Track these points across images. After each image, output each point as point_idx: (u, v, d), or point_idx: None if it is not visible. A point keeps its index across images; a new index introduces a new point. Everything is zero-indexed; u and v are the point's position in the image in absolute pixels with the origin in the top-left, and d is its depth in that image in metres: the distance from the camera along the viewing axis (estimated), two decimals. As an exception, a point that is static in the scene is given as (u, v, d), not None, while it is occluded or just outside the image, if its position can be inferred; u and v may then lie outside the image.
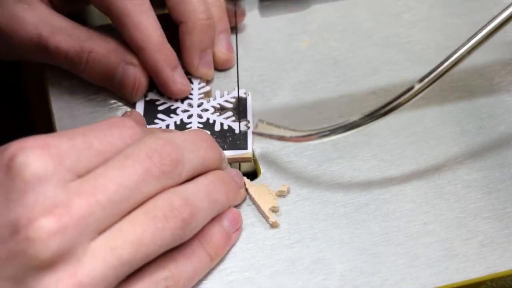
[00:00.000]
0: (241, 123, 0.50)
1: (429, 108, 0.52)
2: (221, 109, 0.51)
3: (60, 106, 0.52)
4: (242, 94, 0.52)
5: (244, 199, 0.47)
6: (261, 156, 0.50)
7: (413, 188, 0.48)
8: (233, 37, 0.53)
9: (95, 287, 0.37)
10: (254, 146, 0.50)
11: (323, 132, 0.46)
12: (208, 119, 0.51)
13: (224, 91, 0.52)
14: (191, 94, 0.52)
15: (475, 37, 0.44)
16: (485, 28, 0.44)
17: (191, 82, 0.52)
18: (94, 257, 0.37)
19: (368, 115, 0.45)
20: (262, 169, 0.49)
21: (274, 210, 0.46)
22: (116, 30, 0.51)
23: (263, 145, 0.50)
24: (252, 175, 0.49)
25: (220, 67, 0.54)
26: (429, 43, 0.57)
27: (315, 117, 0.52)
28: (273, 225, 0.45)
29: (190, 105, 0.51)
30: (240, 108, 0.51)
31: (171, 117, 0.51)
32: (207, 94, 0.52)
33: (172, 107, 0.51)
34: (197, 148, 0.43)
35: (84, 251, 0.37)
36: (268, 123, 0.49)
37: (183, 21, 0.51)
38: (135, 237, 0.38)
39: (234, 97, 0.52)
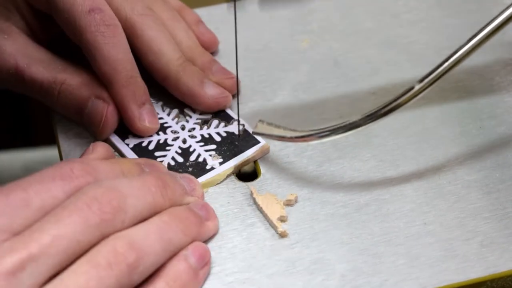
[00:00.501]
0: (233, 125, 0.50)
1: (429, 108, 0.52)
2: (208, 140, 0.50)
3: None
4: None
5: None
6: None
7: (413, 188, 0.48)
8: (233, 37, 0.53)
9: None
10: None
11: (323, 132, 0.46)
12: (189, 146, 0.50)
13: (222, 122, 0.51)
14: (166, 123, 0.51)
15: (475, 37, 0.44)
16: (485, 29, 0.44)
17: (157, 113, 0.51)
18: None
19: (368, 116, 0.45)
20: (262, 169, 0.49)
21: (283, 219, 0.45)
22: None
23: (263, 145, 0.50)
24: (252, 175, 0.49)
25: (232, 91, 0.52)
26: (429, 44, 0.57)
27: (315, 117, 0.52)
28: (282, 235, 0.45)
29: (175, 132, 0.51)
30: (221, 114, 0.51)
31: (167, 150, 0.50)
32: (206, 122, 0.51)
33: (161, 141, 0.50)
34: (143, 194, 0.41)
35: None
36: (268, 123, 0.49)
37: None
38: None
39: (226, 132, 0.51)
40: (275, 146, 0.50)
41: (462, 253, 0.44)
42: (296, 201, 0.46)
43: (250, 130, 0.50)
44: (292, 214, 0.46)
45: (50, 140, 0.64)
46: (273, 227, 0.45)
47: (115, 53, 0.48)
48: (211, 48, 0.55)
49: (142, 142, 0.50)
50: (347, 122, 0.45)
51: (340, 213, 0.46)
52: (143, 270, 0.40)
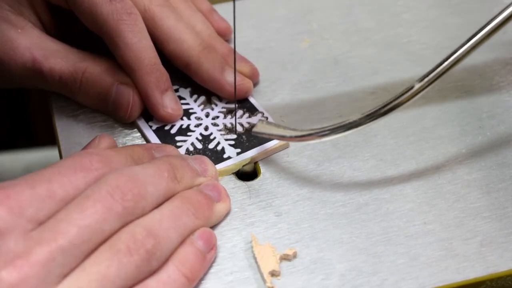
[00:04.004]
0: (256, 117, 0.51)
1: (429, 108, 0.52)
2: (230, 130, 0.51)
3: (61, 106, 0.53)
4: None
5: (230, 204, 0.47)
6: (261, 156, 0.50)
7: (413, 188, 0.48)
8: (233, 37, 0.53)
9: None
10: (254, 146, 0.50)
11: (323, 131, 0.46)
12: (211, 133, 0.50)
13: (246, 113, 0.52)
14: (191, 108, 0.52)
15: (474, 37, 0.44)
16: (484, 28, 0.44)
17: (184, 98, 0.52)
18: None
19: (368, 115, 0.45)
20: (262, 169, 0.49)
21: (274, 273, 0.44)
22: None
23: (263, 145, 0.50)
24: (252, 175, 0.49)
25: (252, 79, 0.53)
26: (429, 43, 0.57)
27: (315, 116, 0.52)
28: None
29: (199, 119, 0.51)
30: (247, 105, 0.52)
31: (189, 135, 0.50)
32: (231, 112, 0.52)
33: (183, 126, 0.51)
34: (158, 181, 0.43)
35: None
36: (268, 123, 0.49)
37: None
38: (99, 275, 0.38)
39: (249, 123, 0.51)
40: (275, 146, 0.50)
41: (462, 252, 0.44)
42: (294, 256, 0.44)
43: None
44: (292, 213, 0.46)
45: (50, 140, 0.65)
46: (263, 279, 0.43)
47: (138, 40, 0.49)
48: (226, 36, 0.56)
49: (165, 125, 0.51)
50: (347, 122, 0.45)
51: (339, 212, 0.46)
52: (161, 256, 0.41)
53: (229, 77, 0.51)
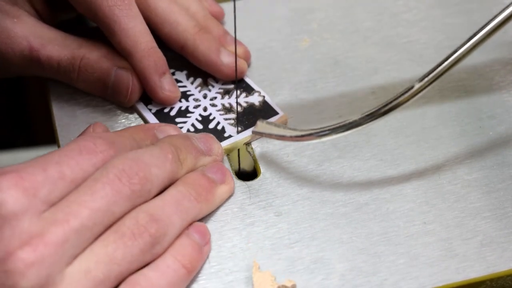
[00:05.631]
0: (253, 96, 0.52)
1: (429, 108, 0.52)
2: (229, 110, 0.51)
3: (60, 106, 0.53)
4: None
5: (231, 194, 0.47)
6: (261, 155, 0.50)
7: (413, 188, 0.48)
8: (233, 37, 0.53)
9: None
10: (254, 146, 0.50)
11: (323, 131, 0.46)
12: (210, 114, 0.51)
13: (243, 93, 0.52)
14: (189, 91, 0.52)
15: (474, 36, 0.44)
16: (484, 28, 0.44)
17: (181, 81, 0.53)
18: (70, 283, 0.38)
19: (368, 115, 0.45)
20: (262, 168, 0.49)
21: None
22: None
23: (263, 144, 0.50)
24: (252, 175, 0.49)
25: (246, 59, 0.54)
26: (429, 43, 0.57)
27: (315, 117, 0.52)
28: None
29: (197, 100, 0.52)
30: (243, 85, 0.53)
31: (188, 117, 0.51)
32: (228, 92, 0.53)
33: (182, 108, 0.51)
34: (162, 163, 0.43)
35: (61, 277, 0.38)
36: (268, 123, 0.49)
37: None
38: (106, 257, 0.39)
39: (246, 102, 0.52)
40: (275, 146, 0.50)
41: (462, 252, 0.44)
42: None
43: (270, 102, 0.52)
44: (292, 213, 0.46)
45: (50, 140, 0.64)
46: None
47: (133, 25, 0.50)
48: (218, 19, 0.56)
49: (164, 108, 0.51)
50: (347, 122, 0.45)
51: (339, 212, 0.46)
52: (165, 240, 0.42)
53: (225, 58, 0.52)
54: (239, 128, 0.50)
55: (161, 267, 0.41)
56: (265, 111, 0.51)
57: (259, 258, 0.44)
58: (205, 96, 0.52)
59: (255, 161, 0.50)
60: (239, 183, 0.48)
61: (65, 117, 0.52)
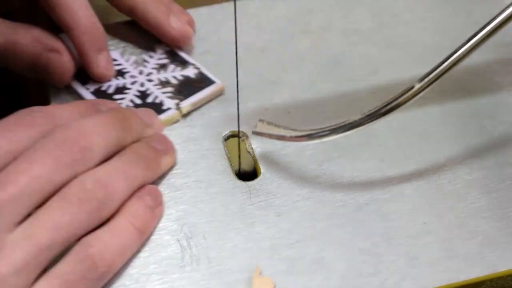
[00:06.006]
0: (188, 69, 0.53)
1: (429, 108, 0.52)
2: (165, 83, 0.53)
3: (60, 102, 0.52)
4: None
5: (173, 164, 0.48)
6: (261, 156, 0.50)
7: (413, 188, 0.48)
8: (233, 37, 0.53)
9: (16, 275, 0.38)
10: (254, 146, 0.50)
11: (323, 132, 0.46)
12: (147, 89, 0.52)
13: (178, 67, 0.54)
14: (124, 68, 0.53)
15: (475, 37, 0.44)
16: (485, 28, 0.44)
17: (116, 60, 0.54)
18: (12, 248, 0.38)
19: (368, 115, 0.45)
20: (262, 169, 0.49)
21: None
22: (129, 25, 0.52)
23: (263, 145, 0.50)
24: (252, 175, 0.49)
25: (192, 28, 0.55)
26: (429, 43, 0.57)
27: (315, 117, 0.52)
28: None
29: (133, 76, 0.53)
30: (178, 59, 0.54)
31: (126, 93, 0.52)
32: (163, 67, 0.54)
33: (119, 85, 0.52)
34: (108, 131, 0.44)
35: (2, 243, 0.38)
36: (268, 123, 0.49)
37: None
38: (52, 223, 0.40)
39: (182, 75, 0.53)
40: (275, 146, 0.50)
41: (462, 252, 0.44)
42: None
43: (207, 72, 0.53)
44: (292, 213, 0.46)
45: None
46: None
47: (72, 0, 0.50)
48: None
49: (101, 86, 0.52)
50: (347, 122, 0.45)
51: (340, 212, 0.46)
52: (112, 206, 0.42)
53: (174, 22, 0.53)
54: (177, 101, 0.51)
55: (113, 229, 0.42)
56: (201, 81, 0.53)
57: (259, 258, 0.44)
58: (141, 72, 0.53)
59: (255, 161, 0.50)
60: (239, 183, 0.48)
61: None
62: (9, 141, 0.41)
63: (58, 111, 0.44)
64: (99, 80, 0.52)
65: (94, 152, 0.43)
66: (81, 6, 0.50)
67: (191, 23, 0.55)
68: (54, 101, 0.53)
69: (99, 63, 0.51)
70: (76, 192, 0.41)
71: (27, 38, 0.50)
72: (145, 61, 0.54)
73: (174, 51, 0.55)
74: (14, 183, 0.39)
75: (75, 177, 0.41)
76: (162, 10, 0.53)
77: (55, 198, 0.41)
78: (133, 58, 0.54)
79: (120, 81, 0.53)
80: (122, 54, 0.55)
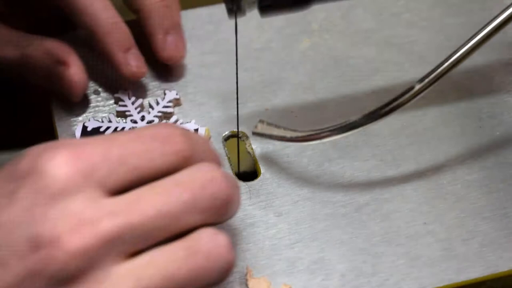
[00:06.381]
0: (190, 124, 0.51)
1: (429, 108, 0.52)
2: (166, 116, 0.51)
3: (60, 106, 0.52)
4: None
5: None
6: (261, 156, 0.50)
7: (413, 188, 0.48)
8: (233, 37, 0.53)
9: None
10: (254, 146, 0.50)
11: (323, 132, 0.46)
12: None
13: (157, 98, 0.52)
14: (128, 111, 0.51)
15: (475, 37, 0.44)
16: (485, 29, 0.44)
17: (123, 100, 0.51)
18: (114, 284, 0.34)
19: (368, 115, 0.45)
20: (262, 169, 0.49)
21: None
22: (129, 24, 0.51)
23: (263, 145, 0.50)
24: (252, 175, 0.49)
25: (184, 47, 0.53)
26: (429, 44, 0.57)
27: (315, 117, 0.52)
28: None
29: (134, 122, 0.51)
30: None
31: None
32: (165, 116, 0.51)
33: (118, 129, 0.50)
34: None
35: (106, 273, 0.34)
36: (268, 123, 0.49)
37: (139, 9, 0.50)
38: (167, 272, 0.34)
39: (170, 101, 0.51)
40: (275, 146, 0.50)
41: (462, 252, 0.44)
42: None
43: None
44: (292, 213, 0.46)
45: (50, 140, 0.64)
46: None
47: (91, 2, 0.48)
48: None
49: (100, 127, 0.50)
50: (347, 122, 0.45)
51: (340, 212, 0.46)
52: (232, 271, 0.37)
53: (170, 38, 0.51)
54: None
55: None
56: None
57: (260, 258, 0.44)
58: (142, 119, 0.51)
59: (255, 161, 0.50)
60: (239, 183, 0.48)
61: (65, 118, 0.52)
62: (138, 156, 0.36)
63: (194, 136, 0.38)
64: (131, 79, 0.50)
65: (232, 208, 0.37)
66: (99, 8, 0.49)
67: (184, 44, 0.52)
68: (54, 106, 0.53)
69: (129, 62, 0.50)
70: (206, 246, 0.35)
71: (39, 51, 0.49)
72: (151, 106, 0.51)
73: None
74: (139, 213, 0.34)
75: (201, 225, 0.36)
76: (164, 22, 0.51)
77: (179, 245, 0.35)
78: (139, 101, 0.51)
79: (120, 124, 0.50)
80: (130, 95, 0.52)
